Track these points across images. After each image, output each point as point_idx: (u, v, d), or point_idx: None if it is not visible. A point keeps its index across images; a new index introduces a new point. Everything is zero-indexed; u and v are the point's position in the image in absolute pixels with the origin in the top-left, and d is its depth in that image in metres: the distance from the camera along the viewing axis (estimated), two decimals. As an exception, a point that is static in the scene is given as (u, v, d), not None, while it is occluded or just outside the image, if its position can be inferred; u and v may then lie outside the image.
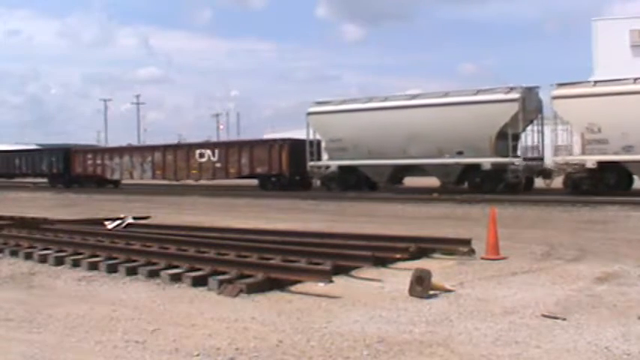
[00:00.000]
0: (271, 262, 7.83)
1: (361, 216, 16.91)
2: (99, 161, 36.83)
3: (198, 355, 4.79)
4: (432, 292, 6.58)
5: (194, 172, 32.13)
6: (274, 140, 30.86)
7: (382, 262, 8.33)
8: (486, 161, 23.49)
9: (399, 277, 7.51)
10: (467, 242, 9.24)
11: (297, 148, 28.76)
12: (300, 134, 34.60)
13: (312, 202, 22.37)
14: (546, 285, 7.11)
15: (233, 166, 30.69)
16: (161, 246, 9.55)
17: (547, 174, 23.94)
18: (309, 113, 27.81)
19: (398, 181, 26.81)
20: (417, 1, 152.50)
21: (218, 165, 31.22)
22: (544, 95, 24.36)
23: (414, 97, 26.52)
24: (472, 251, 9.07)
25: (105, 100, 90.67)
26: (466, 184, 24.57)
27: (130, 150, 37.00)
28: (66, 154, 38.94)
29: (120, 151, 37.23)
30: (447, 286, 6.88)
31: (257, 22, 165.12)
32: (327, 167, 27.54)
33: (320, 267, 7.53)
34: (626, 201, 18.02)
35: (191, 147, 33.48)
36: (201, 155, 31.91)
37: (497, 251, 8.92)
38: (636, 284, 7.08)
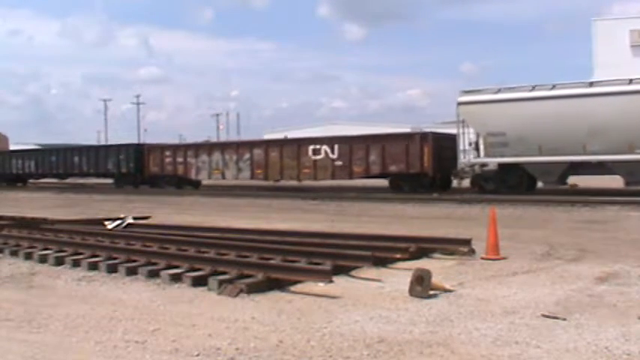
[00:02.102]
0: (271, 262, 7.83)
1: (361, 216, 16.91)
2: (180, 159, 31.94)
3: (198, 355, 4.79)
4: (432, 292, 6.58)
5: (306, 171, 27.52)
6: (414, 133, 26.38)
7: (382, 262, 8.34)
8: None
9: (399, 277, 7.51)
10: (467, 242, 9.25)
11: (440, 143, 24.72)
12: (300, 134, 34.40)
13: (312, 202, 22.38)
14: (546, 285, 7.11)
15: (359, 165, 26.08)
16: (161, 246, 9.55)
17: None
18: (461, 103, 23.45)
19: (564, 181, 23.35)
20: (418, 2, 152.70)
21: (339, 163, 26.57)
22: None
23: (593, 84, 23.03)
24: (472, 251, 9.08)
25: (105, 100, 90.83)
26: None
27: (221, 146, 31.93)
28: (138, 151, 34.29)
29: (209, 147, 32.35)
30: (447, 286, 6.88)
31: (257, 22, 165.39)
32: (484, 165, 23.68)
33: (320, 267, 7.53)
34: (626, 201, 18.02)
35: (303, 142, 28.18)
36: (317, 152, 27.16)
37: (497, 251, 8.92)
38: (636, 284, 7.08)
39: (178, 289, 7.32)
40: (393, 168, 25.38)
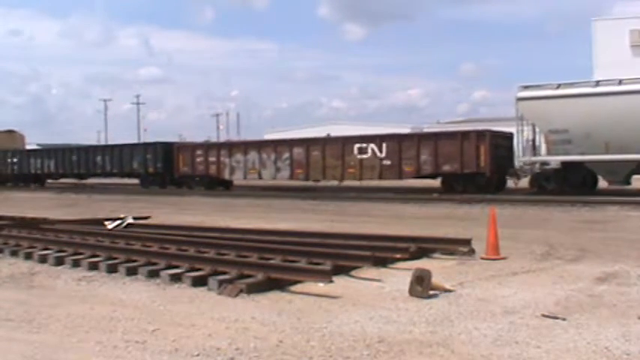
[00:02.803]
0: (271, 262, 7.83)
1: (361, 216, 16.91)
2: (213, 158, 30.17)
3: (198, 355, 4.79)
4: (432, 292, 6.58)
5: (351, 171, 25.98)
6: (469, 131, 24.59)
7: (382, 262, 8.33)
8: None
9: (399, 277, 7.51)
10: (467, 242, 9.24)
11: (496, 142, 23.67)
12: (300, 134, 34.26)
13: (312, 202, 22.37)
14: (546, 285, 7.11)
15: (409, 164, 24.63)
16: (161, 246, 9.55)
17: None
18: (520, 99, 22.35)
19: (629, 181, 22.12)
20: (418, 2, 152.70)
21: (387, 162, 25.05)
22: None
23: None
24: (472, 251, 9.07)
25: (105, 100, 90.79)
26: None
27: (258, 145, 30.02)
28: (167, 150, 32.20)
29: (244, 146, 30.43)
30: (447, 286, 6.88)
31: (258, 22, 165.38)
32: (545, 164, 22.55)
33: (320, 267, 7.53)
34: (626, 201, 18.02)
35: (348, 140, 26.64)
36: (363, 150, 25.64)
37: (497, 251, 8.92)
38: (636, 284, 7.08)
39: (178, 289, 7.32)
40: (446, 167, 24.02)
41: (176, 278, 7.65)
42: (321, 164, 26.79)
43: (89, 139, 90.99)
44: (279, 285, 7.07)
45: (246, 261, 7.89)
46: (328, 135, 30.12)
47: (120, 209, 17.98)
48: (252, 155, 29.07)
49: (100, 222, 13.44)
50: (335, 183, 27.23)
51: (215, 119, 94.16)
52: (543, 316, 5.69)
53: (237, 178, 30.15)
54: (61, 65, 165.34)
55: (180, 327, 5.61)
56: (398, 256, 8.62)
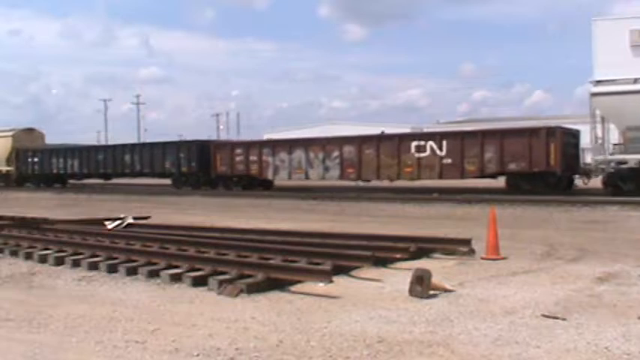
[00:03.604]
0: (271, 262, 7.83)
1: (361, 216, 16.91)
2: (254, 157, 28.67)
3: (198, 355, 4.79)
4: (432, 292, 6.58)
5: (408, 170, 24.72)
6: (539, 128, 23.41)
7: (382, 262, 8.34)
8: None
9: (399, 277, 7.51)
10: (467, 242, 9.25)
11: (566, 140, 22.72)
12: (301, 134, 34.01)
13: (312, 202, 22.37)
14: (546, 285, 7.11)
15: (472, 163, 23.39)
16: (161, 246, 9.55)
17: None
18: (595, 94, 21.49)
19: None
20: (419, 2, 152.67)
21: (447, 161, 23.84)
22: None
23: None
24: (472, 251, 9.07)
25: (105, 100, 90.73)
26: None
27: (305, 143, 28.05)
28: (202, 148, 30.80)
29: (290, 144, 28.49)
30: (447, 286, 6.87)
31: (258, 22, 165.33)
32: (621, 163, 21.03)
33: (320, 267, 7.52)
34: (626, 201, 18.02)
35: (404, 138, 25.39)
36: (421, 148, 24.35)
37: (497, 251, 8.92)
38: (636, 284, 7.08)
39: (178, 289, 7.32)
40: (512, 166, 22.82)
41: (176, 278, 7.65)
42: (374, 163, 25.42)
43: (89, 139, 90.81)
44: (279, 285, 7.07)
45: (246, 261, 7.89)
46: (383, 132, 28.18)
47: (120, 209, 17.98)
48: (298, 154, 27.61)
49: (100, 222, 13.44)
50: (384, 182, 26.21)
51: (215, 119, 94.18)
52: (543, 316, 5.69)
53: (282, 178, 28.65)
54: (60, 65, 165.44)
55: (180, 327, 5.61)
56: (398, 256, 8.62)
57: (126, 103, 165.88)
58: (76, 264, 8.95)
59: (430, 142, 24.32)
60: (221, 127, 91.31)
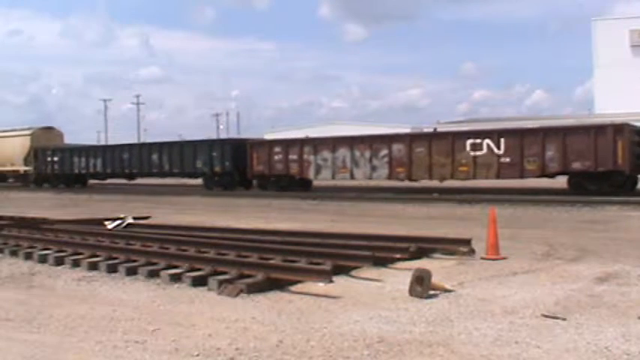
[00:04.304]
0: (271, 262, 7.83)
1: (361, 216, 16.91)
2: (294, 156, 27.24)
3: (198, 355, 4.79)
4: (432, 292, 6.58)
5: (463, 169, 23.40)
6: (605, 125, 22.14)
7: (382, 262, 8.34)
8: None
9: (399, 277, 7.51)
10: (467, 242, 9.24)
11: (633, 137, 21.34)
12: (301, 134, 33.88)
13: (312, 202, 22.37)
14: (546, 285, 7.11)
15: (532, 162, 22.17)
16: (161, 246, 9.55)
17: None
18: None
19: None
20: (419, 2, 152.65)
21: (506, 160, 22.58)
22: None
23: None
24: (472, 251, 9.07)
25: (105, 100, 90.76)
26: None
27: (350, 141, 26.47)
28: (237, 147, 29.35)
29: (333, 142, 26.86)
30: (447, 286, 6.88)
31: (258, 21, 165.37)
32: None
33: (320, 267, 7.52)
34: (626, 201, 18.02)
35: (459, 136, 23.92)
36: (476, 147, 23.02)
37: (497, 251, 8.92)
38: (636, 284, 7.08)
39: (178, 289, 7.32)
40: (576, 165, 21.63)
41: (176, 278, 7.65)
42: (426, 162, 24.02)
43: (89, 139, 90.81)
44: (279, 285, 7.07)
45: (246, 261, 7.89)
46: (435, 130, 27.59)
47: (120, 209, 17.98)
48: (343, 152, 26.06)
49: (100, 222, 13.44)
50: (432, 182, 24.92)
51: (215, 119, 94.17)
52: (543, 316, 5.69)
53: (324, 178, 27.21)
54: (61, 65, 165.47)
55: (180, 327, 5.61)
56: (398, 256, 8.62)
57: (126, 103, 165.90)
58: (76, 264, 8.95)
59: (487, 140, 22.96)
60: (221, 127, 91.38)
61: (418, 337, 5.15)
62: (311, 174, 27.12)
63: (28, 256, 9.74)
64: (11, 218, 14.76)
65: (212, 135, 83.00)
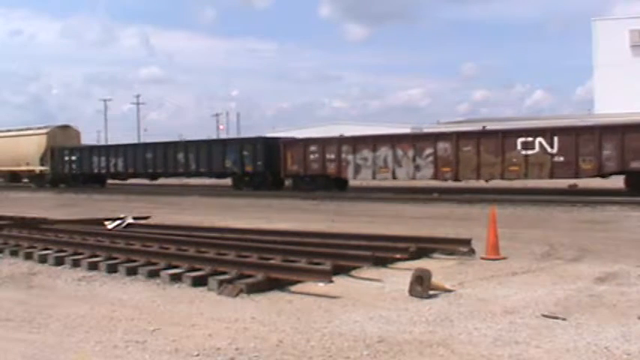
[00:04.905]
0: (271, 262, 7.83)
1: (361, 216, 16.90)
2: (331, 155, 26.23)
3: (198, 355, 4.79)
4: (432, 292, 6.58)
5: (514, 168, 22.57)
6: None
7: (382, 262, 8.34)
8: None
9: (399, 277, 7.51)
10: (467, 242, 9.24)
11: None
12: (302, 134, 33.83)
13: (312, 202, 22.37)
14: (546, 285, 7.11)
15: (588, 161, 21.34)
16: (161, 246, 9.55)
17: None
18: None
19: None
20: (419, 2, 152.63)
21: (559, 159, 21.74)
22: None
23: None
24: (472, 251, 9.07)
25: (105, 100, 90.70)
26: None
27: (391, 139, 25.39)
28: (269, 145, 28.20)
29: (373, 140, 25.78)
30: (447, 286, 6.88)
31: (259, 21, 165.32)
32: None
33: (320, 267, 7.53)
34: (626, 201, 18.02)
35: (509, 134, 23.02)
36: (528, 145, 22.20)
37: (497, 251, 8.92)
38: (636, 284, 7.08)
39: (178, 289, 7.33)
40: (635, 165, 20.69)
41: (176, 278, 7.65)
42: (474, 162, 23.11)
43: (89, 139, 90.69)
44: (279, 285, 7.07)
45: (246, 261, 7.89)
46: (484, 127, 25.88)
47: (120, 209, 17.98)
48: (384, 151, 25.00)
49: (100, 222, 13.44)
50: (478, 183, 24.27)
51: (215, 119, 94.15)
52: (543, 316, 5.69)
53: (364, 178, 26.17)
54: (61, 65, 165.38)
55: (180, 327, 5.61)
56: (398, 256, 8.62)
57: (126, 103, 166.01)
58: (76, 264, 8.95)
59: (539, 139, 22.06)
60: (221, 127, 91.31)
61: (418, 337, 5.15)
62: (349, 174, 26.10)
63: (28, 256, 9.74)
64: (11, 218, 14.75)
65: (212, 135, 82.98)
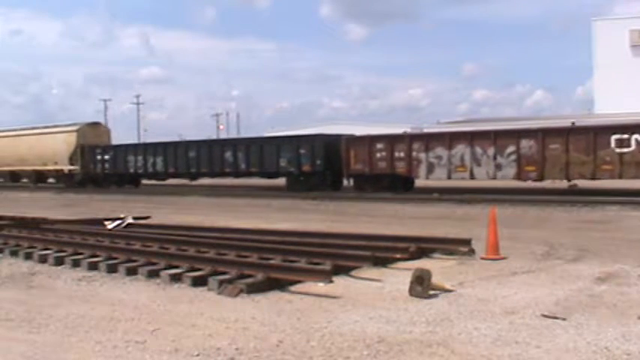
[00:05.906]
0: (271, 262, 7.83)
1: (361, 216, 16.90)
2: (400, 153, 24.25)
3: (198, 355, 4.79)
4: (432, 292, 6.58)
5: (607, 167, 20.78)
6: None
7: (382, 262, 8.34)
8: None
9: (399, 277, 7.51)
10: (467, 242, 9.24)
11: None
12: (302, 134, 33.61)
13: (312, 202, 22.37)
14: (546, 285, 7.11)
15: None
16: (161, 246, 9.56)
17: None
18: None
19: None
20: (419, 2, 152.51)
21: None
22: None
23: None
24: (472, 251, 9.07)
25: (105, 100, 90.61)
26: None
27: (470, 136, 23.59)
28: (329, 143, 26.02)
29: (449, 137, 23.86)
30: (447, 286, 6.88)
31: (259, 21, 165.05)
32: None
33: (320, 267, 7.53)
34: (626, 201, 18.01)
35: (601, 131, 21.14)
36: (623, 143, 20.28)
37: (497, 251, 8.92)
38: (636, 284, 7.08)
39: (178, 289, 7.33)
40: None
41: (176, 278, 7.65)
42: (562, 160, 21.35)
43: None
44: (279, 285, 7.07)
45: (246, 261, 7.89)
46: (573, 124, 24.08)
47: (120, 209, 17.98)
48: (460, 149, 23.16)
49: (100, 222, 13.44)
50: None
51: (215, 119, 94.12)
52: (543, 316, 5.69)
53: (438, 178, 24.08)
54: (61, 65, 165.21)
55: (180, 327, 5.61)
56: (398, 256, 8.62)
57: (126, 103, 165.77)
58: (76, 264, 8.95)
59: (635, 136, 20.20)
60: (221, 127, 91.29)
61: (418, 337, 5.15)
62: (422, 173, 24.15)
63: (28, 256, 9.74)
64: (11, 218, 14.75)
65: (212, 135, 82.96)
